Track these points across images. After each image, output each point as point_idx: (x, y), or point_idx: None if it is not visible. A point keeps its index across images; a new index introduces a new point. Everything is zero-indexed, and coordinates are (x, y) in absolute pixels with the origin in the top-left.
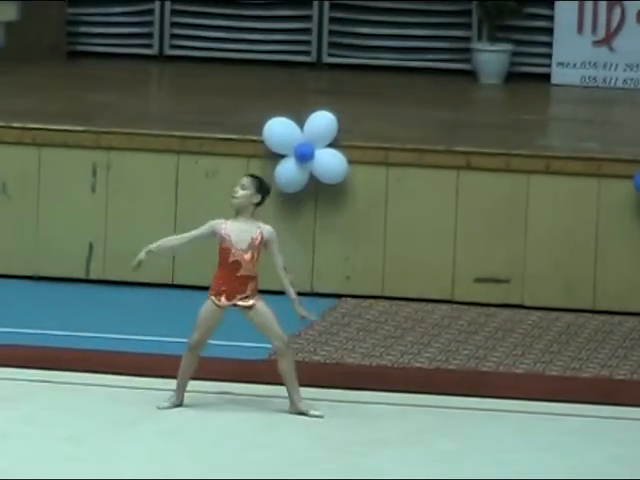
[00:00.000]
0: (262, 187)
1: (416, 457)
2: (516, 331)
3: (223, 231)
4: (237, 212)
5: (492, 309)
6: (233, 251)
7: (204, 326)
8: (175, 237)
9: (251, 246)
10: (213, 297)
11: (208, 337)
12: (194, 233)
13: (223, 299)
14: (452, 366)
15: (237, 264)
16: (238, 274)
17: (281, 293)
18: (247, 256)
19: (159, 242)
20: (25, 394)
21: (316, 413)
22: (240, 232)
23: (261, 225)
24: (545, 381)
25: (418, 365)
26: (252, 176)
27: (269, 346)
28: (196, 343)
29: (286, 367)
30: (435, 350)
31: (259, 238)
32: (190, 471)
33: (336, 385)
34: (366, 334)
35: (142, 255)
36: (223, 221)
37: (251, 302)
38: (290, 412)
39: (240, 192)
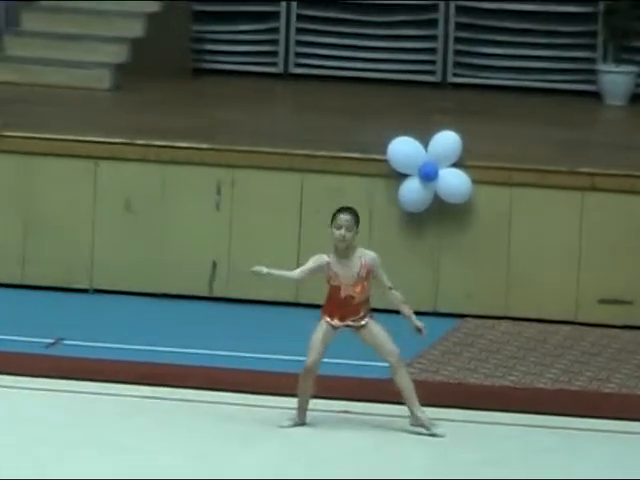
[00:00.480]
0: (358, 218)
1: (533, 477)
2: (639, 352)
3: (329, 270)
4: (336, 248)
5: (615, 330)
6: (343, 287)
7: (319, 347)
8: (291, 273)
9: (359, 278)
10: (327, 318)
11: (323, 357)
12: (305, 269)
13: (337, 320)
14: (575, 387)
15: (349, 297)
16: (352, 303)
17: (392, 312)
18: (358, 289)
19: (280, 272)
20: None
21: (437, 431)
22: (345, 268)
23: (362, 254)
24: None
25: (540, 386)
26: (349, 212)
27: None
28: (313, 364)
29: (402, 381)
30: (558, 371)
31: (365, 269)
32: None
33: (458, 405)
34: (489, 354)
35: (263, 270)
36: (326, 258)
37: (364, 322)
38: (412, 425)
39: (347, 235)
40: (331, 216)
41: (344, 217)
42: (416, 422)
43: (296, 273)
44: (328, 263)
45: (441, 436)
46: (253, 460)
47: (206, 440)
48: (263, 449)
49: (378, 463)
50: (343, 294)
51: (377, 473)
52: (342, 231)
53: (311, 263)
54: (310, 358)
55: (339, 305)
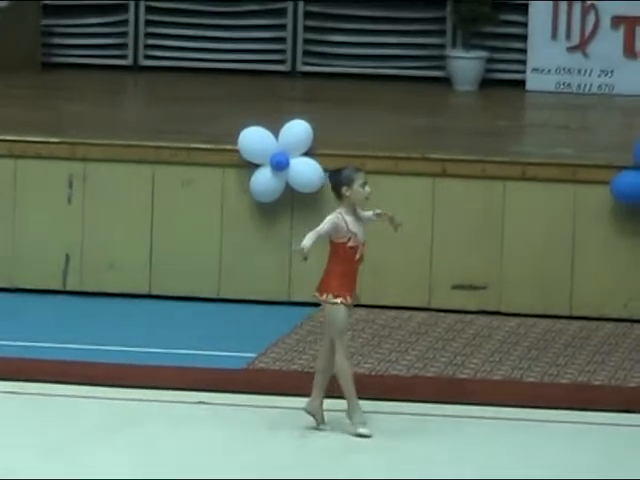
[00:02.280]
0: None
1: (387, 463)
2: (494, 338)
3: (348, 230)
4: (353, 207)
5: (469, 316)
6: (360, 248)
7: (345, 332)
8: (312, 235)
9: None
10: (344, 299)
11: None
12: (321, 232)
13: (349, 298)
14: (430, 373)
15: (361, 259)
16: (358, 268)
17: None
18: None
19: (308, 243)
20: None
21: (363, 431)
22: (358, 225)
23: (360, 212)
24: (523, 388)
25: (395, 373)
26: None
27: (247, 355)
28: (346, 353)
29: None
30: (412, 357)
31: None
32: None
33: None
34: None
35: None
36: (340, 216)
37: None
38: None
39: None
40: (335, 179)
41: (360, 174)
42: (313, 410)
43: (311, 237)
44: (346, 223)
45: (368, 436)
46: (108, 455)
47: (56, 434)
48: (116, 443)
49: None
50: (358, 255)
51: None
52: (367, 187)
53: (327, 225)
54: (344, 345)
55: (354, 271)
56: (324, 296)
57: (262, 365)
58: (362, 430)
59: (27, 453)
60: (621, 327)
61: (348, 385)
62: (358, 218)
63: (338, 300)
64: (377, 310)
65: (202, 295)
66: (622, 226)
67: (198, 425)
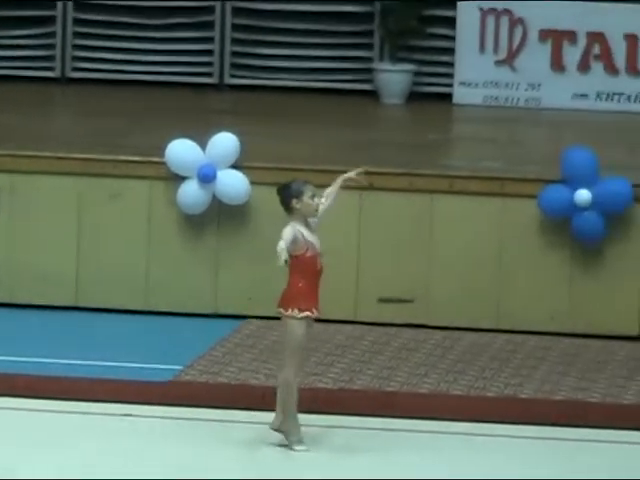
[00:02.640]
0: None
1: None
2: (420, 350)
3: (303, 239)
4: (305, 220)
5: (395, 329)
6: (318, 257)
7: (303, 348)
8: (283, 244)
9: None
10: (311, 312)
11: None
12: (285, 247)
13: (315, 312)
14: (356, 386)
15: (321, 271)
16: (319, 281)
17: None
18: (323, 260)
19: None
20: None
21: (297, 447)
22: (313, 236)
23: (312, 221)
24: (449, 400)
25: (322, 386)
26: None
27: (173, 367)
28: (299, 370)
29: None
30: (339, 370)
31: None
32: None
33: (240, 406)
34: (270, 355)
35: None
36: (296, 228)
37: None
38: (272, 428)
39: (320, 201)
40: (284, 193)
41: (310, 186)
42: (279, 428)
43: (284, 247)
44: (302, 234)
45: (305, 450)
46: (32, 467)
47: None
48: (39, 455)
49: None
50: (318, 266)
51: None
52: (316, 199)
53: (289, 236)
54: (296, 365)
55: (316, 282)
56: (289, 311)
57: (188, 377)
58: (299, 448)
59: None
60: (547, 340)
61: (291, 401)
62: (311, 228)
63: (304, 314)
64: None
65: (129, 307)
66: (549, 240)
67: (122, 438)
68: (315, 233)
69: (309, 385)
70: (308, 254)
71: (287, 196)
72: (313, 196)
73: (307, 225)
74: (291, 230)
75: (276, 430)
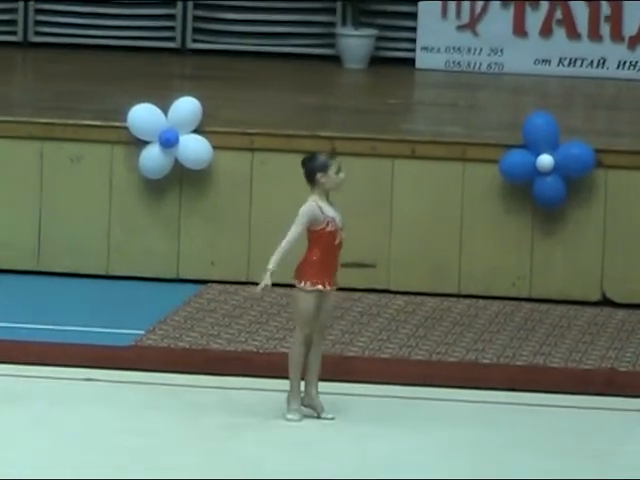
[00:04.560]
0: None
1: (274, 440)
2: (382, 316)
3: (325, 215)
4: (327, 193)
5: (357, 294)
6: (340, 232)
7: (310, 321)
8: (283, 247)
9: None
10: (323, 286)
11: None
12: (296, 232)
13: (328, 285)
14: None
15: (341, 245)
16: (339, 254)
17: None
18: (344, 233)
19: (274, 260)
20: None
21: (327, 415)
22: (335, 211)
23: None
24: (411, 366)
25: (283, 350)
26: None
27: (135, 332)
28: (307, 337)
29: (317, 358)
30: None
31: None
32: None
33: (202, 371)
34: (231, 320)
35: (268, 280)
36: (314, 204)
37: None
38: (304, 405)
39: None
40: (310, 165)
41: (335, 160)
42: (309, 402)
43: (291, 239)
44: (321, 209)
45: (332, 418)
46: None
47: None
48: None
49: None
50: (338, 240)
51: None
52: (341, 173)
53: (305, 218)
54: (301, 341)
55: (335, 256)
56: (301, 284)
57: (150, 342)
58: (290, 416)
59: None
60: (509, 305)
61: (292, 371)
62: (331, 203)
63: (315, 288)
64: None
65: (90, 272)
66: (510, 205)
67: (83, 403)
68: (336, 207)
69: (270, 350)
70: (328, 229)
71: (313, 169)
72: (339, 170)
73: (328, 199)
74: (308, 209)
75: (305, 406)
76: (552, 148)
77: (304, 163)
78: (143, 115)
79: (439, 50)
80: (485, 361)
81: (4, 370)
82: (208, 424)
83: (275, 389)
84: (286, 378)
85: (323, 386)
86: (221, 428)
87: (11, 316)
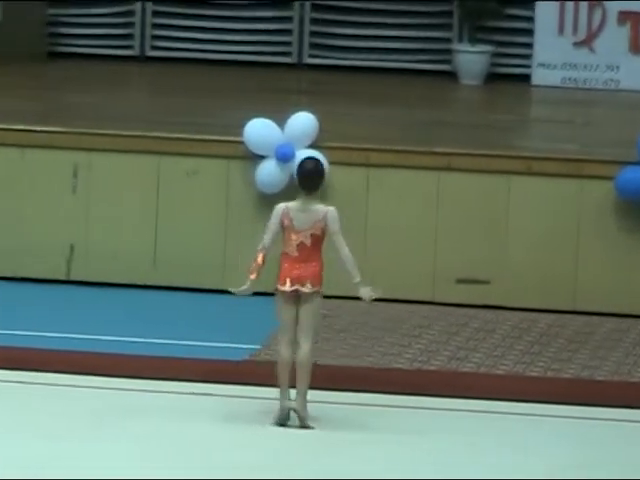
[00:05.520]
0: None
1: (392, 458)
2: (497, 332)
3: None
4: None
5: (473, 310)
6: (296, 232)
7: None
8: (352, 258)
9: (315, 227)
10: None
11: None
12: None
13: (288, 284)
14: (433, 367)
15: (302, 245)
16: (304, 254)
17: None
18: (311, 239)
19: (356, 272)
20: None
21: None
22: (305, 214)
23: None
24: (525, 382)
25: (398, 366)
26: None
27: (251, 347)
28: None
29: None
30: (416, 351)
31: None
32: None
33: (316, 386)
34: (346, 335)
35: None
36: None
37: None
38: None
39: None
40: (323, 175)
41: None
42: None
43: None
44: (286, 207)
45: (312, 428)
46: (107, 446)
47: (62, 423)
48: (116, 434)
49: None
50: (296, 239)
51: (233, 457)
52: None
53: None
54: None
55: (291, 259)
56: (319, 287)
57: (266, 357)
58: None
59: (31, 443)
60: (624, 322)
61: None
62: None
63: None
64: (381, 303)
65: (206, 286)
66: (626, 222)
67: (199, 417)
68: (312, 211)
69: (385, 365)
70: (285, 225)
71: (323, 175)
72: None
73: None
74: (338, 216)
75: (295, 411)
76: None
77: (321, 173)
78: (259, 130)
79: (555, 67)
80: (599, 378)
81: (120, 384)
82: (329, 440)
83: (390, 405)
84: (402, 394)
85: (436, 401)
86: (342, 442)
87: (125, 330)
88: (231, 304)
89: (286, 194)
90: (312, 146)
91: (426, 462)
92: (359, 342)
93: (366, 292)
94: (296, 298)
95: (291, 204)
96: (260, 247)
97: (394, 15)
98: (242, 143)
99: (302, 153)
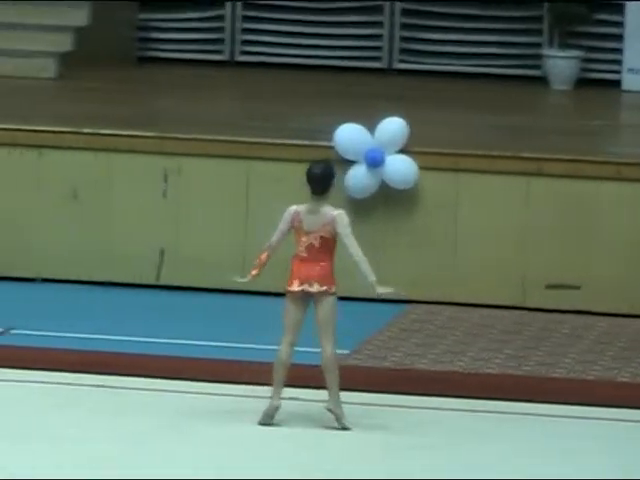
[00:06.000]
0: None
1: (483, 462)
2: (587, 337)
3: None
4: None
5: (562, 315)
6: (305, 234)
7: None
8: (364, 258)
9: (324, 229)
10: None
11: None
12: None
13: (296, 284)
14: (522, 372)
15: (311, 246)
16: (313, 254)
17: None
18: (319, 241)
19: (371, 271)
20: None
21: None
22: (314, 216)
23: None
24: (616, 388)
25: (488, 371)
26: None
27: (340, 352)
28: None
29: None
30: (505, 356)
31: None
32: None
33: (406, 391)
34: (436, 340)
35: (389, 289)
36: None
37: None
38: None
39: None
40: (334, 176)
41: None
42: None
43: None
44: (297, 209)
45: (349, 429)
46: (189, 449)
47: (145, 428)
48: (201, 438)
49: (334, 449)
50: (305, 240)
51: (322, 461)
52: None
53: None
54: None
55: (300, 259)
56: (333, 288)
57: (355, 362)
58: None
59: (112, 445)
60: None
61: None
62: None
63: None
64: (470, 308)
65: None
66: None
67: (288, 421)
68: (321, 213)
69: (475, 370)
70: (295, 225)
71: (334, 177)
72: None
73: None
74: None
75: (330, 410)
76: None
77: (332, 173)
78: (349, 135)
79: None
80: None
81: (208, 389)
82: (407, 445)
83: (480, 409)
84: (492, 399)
85: (524, 407)
86: (423, 448)
87: (216, 335)
88: None
89: (376, 199)
90: (402, 151)
91: (518, 467)
92: (449, 347)
93: (383, 289)
94: (305, 299)
95: (302, 206)
96: (266, 245)
97: (484, 20)
98: (332, 148)
99: (392, 158)
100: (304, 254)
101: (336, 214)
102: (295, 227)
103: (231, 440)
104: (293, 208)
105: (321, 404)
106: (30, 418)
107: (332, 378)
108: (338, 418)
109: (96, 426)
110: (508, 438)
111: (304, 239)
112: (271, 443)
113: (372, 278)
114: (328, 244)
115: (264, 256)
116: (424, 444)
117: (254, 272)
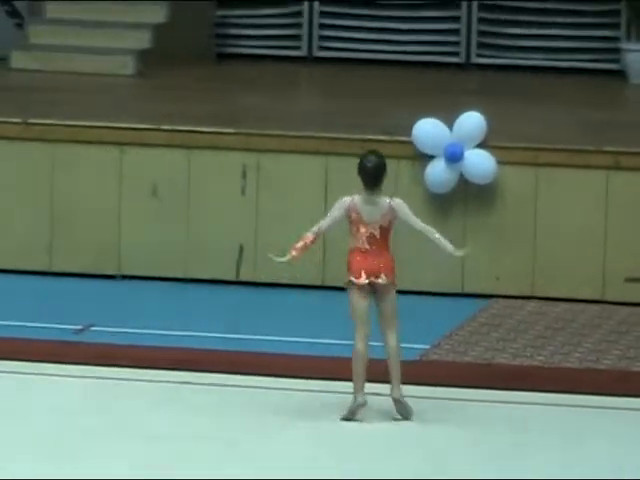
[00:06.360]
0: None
1: (558, 458)
2: None
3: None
4: None
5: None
6: (364, 225)
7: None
8: (438, 235)
9: (383, 219)
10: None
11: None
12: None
13: (363, 277)
14: (602, 366)
15: (372, 236)
16: (374, 246)
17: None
18: (379, 231)
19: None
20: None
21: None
22: (371, 207)
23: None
24: None
25: (568, 365)
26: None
27: (420, 346)
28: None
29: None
30: (585, 350)
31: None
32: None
33: (487, 385)
34: (516, 334)
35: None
36: (348, 199)
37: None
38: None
39: None
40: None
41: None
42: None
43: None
44: (352, 200)
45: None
46: (282, 447)
47: (236, 425)
48: (291, 436)
49: (412, 442)
50: (365, 232)
51: (404, 454)
52: None
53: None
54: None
55: (363, 252)
56: (396, 280)
57: (435, 357)
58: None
59: (203, 443)
60: None
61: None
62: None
63: None
64: (550, 302)
65: None
66: None
67: (371, 417)
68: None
69: (556, 365)
70: (352, 218)
71: (385, 173)
72: None
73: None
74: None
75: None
76: None
77: (380, 167)
78: (428, 130)
79: None
80: None
81: (291, 385)
82: (491, 440)
83: (560, 404)
84: (571, 393)
85: (608, 400)
86: (505, 444)
87: (296, 330)
88: (400, 303)
89: (455, 194)
90: (480, 146)
91: (605, 462)
92: (529, 341)
93: (462, 251)
94: (370, 292)
95: (356, 197)
96: (315, 229)
97: (562, 14)
98: (411, 143)
99: (471, 153)
100: (366, 246)
101: (394, 203)
102: (353, 219)
103: (319, 438)
104: (348, 199)
105: (410, 399)
106: (126, 417)
107: (396, 368)
108: (406, 407)
109: (186, 423)
110: (600, 431)
111: (363, 230)
112: (364, 441)
113: (449, 246)
114: (387, 233)
115: (310, 239)
116: (526, 441)
117: (294, 253)
